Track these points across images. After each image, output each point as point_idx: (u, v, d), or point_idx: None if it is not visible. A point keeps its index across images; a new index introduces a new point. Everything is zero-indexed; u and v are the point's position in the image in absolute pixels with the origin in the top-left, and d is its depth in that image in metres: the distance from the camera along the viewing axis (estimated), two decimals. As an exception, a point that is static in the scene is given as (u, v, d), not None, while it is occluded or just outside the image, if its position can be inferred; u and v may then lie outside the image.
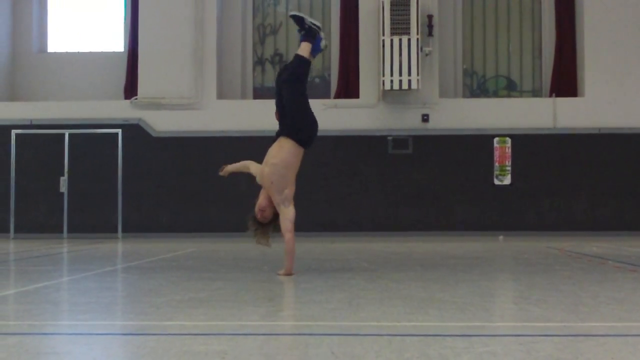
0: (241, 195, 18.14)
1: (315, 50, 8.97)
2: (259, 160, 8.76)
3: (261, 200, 8.49)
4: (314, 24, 8.89)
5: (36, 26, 19.90)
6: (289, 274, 8.42)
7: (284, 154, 8.47)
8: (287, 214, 8.39)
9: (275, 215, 8.51)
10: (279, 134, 8.66)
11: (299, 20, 8.86)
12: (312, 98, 18.67)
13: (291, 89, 8.72)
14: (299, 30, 8.94)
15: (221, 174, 9.06)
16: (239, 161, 9.05)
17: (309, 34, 8.84)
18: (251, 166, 8.81)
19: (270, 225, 8.57)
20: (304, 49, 8.85)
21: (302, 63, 8.86)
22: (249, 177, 19.52)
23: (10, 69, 19.58)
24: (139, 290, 7.51)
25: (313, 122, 8.79)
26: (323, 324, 5.24)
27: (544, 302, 6.27)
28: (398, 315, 5.53)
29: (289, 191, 8.45)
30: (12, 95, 19.51)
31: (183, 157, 18.26)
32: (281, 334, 4.93)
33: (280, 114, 8.71)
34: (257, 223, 8.54)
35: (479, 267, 9.83)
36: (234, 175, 9.29)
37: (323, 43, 9.00)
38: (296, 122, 8.60)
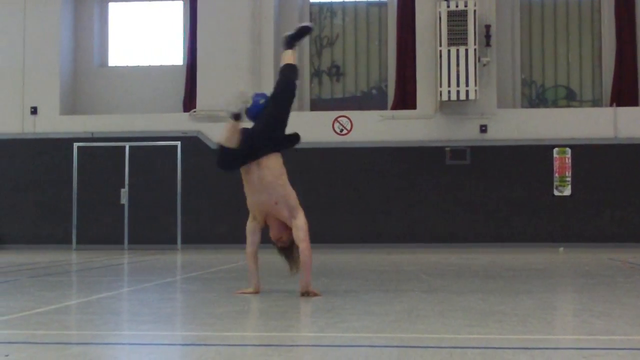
0: (299, 207, 18.21)
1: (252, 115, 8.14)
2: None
3: (273, 232, 7.81)
4: (304, 27, 8.65)
5: (97, 41, 20.24)
6: (308, 290, 7.64)
7: (274, 173, 7.79)
8: (298, 224, 7.65)
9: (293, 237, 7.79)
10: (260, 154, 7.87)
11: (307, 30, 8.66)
12: (369, 109, 18.84)
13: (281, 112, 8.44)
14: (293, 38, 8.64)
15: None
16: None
17: (295, 37, 8.64)
18: (256, 235, 8.01)
19: (293, 246, 7.79)
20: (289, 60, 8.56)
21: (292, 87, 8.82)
22: (305, 190, 19.50)
23: (72, 82, 19.93)
24: (199, 301, 7.57)
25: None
26: (383, 336, 5.22)
27: (607, 315, 6.18)
28: (458, 328, 5.49)
29: (292, 200, 7.76)
30: (74, 108, 19.86)
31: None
32: (341, 346, 4.93)
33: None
34: (283, 250, 7.89)
35: (539, 279, 9.71)
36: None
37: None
38: (277, 136, 8.14)
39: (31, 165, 19.05)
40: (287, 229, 7.76)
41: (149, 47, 20.36)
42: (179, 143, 18.72)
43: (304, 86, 19.62)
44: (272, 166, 7.83)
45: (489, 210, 18.09)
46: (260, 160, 7.83)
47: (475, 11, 17.61)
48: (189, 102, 19.30)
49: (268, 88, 18.66)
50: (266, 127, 8.06)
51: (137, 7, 20.45)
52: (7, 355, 4.53)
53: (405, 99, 18.78)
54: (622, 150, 18.00)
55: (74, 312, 6.79)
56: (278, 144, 8.07)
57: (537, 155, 18.11)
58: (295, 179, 20.02)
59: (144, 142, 18.80)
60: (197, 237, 18.47)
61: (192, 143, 18.71)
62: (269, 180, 7.74)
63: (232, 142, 7.89)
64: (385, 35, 19.52)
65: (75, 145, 18.91)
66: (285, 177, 7.86)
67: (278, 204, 7.72)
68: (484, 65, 17.95)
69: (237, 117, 7.99)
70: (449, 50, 17.58)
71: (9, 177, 19.04)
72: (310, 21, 19.74)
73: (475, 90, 17.52)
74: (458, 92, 17.52)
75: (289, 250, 7.84)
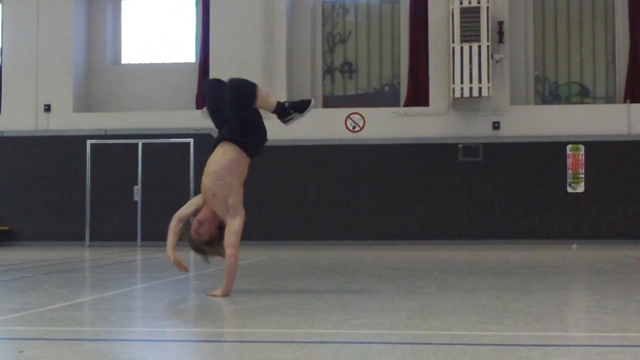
0: (310, 203, 18.22)
1: None
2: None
3: (202, 213, 7.41)
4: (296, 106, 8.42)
5: (110, 38, 20.29)
6: (226, 294, 7.24)
7: (225, 161, 7.46)
8: (232, 226, 7.32)
9: (220, 237, 7.35)
10: (221, 138, 7.63)
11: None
12: (382, 106, 18.83)
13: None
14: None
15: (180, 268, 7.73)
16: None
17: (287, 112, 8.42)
18: (191, 207, 7.59)
19: (212, 243, 7.36)
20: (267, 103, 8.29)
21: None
22: (317, 187, 19.52)
23: (85, 80, 19.99)
24: (212, 297, 7.57)
25: (264, 132, 8.11)
26: (396, 333, 5.22)
27: (621, 312, 6.15)
28: (471, 325, 5.48)
29: (234, 200, 7.45)
30: (87, 105, 19.92)
31: (253, 166, 18.32)
32: (354, 342, 4.93)
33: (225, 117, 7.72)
34: (194, 242, 7.41)
35: (552, 276, 9.69)
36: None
37: None
38: (248, 124, 7.85)
39: (44, 163, 19.13)
40: (214, 225, 7.38)
41: (162, 44, 20.39)
42: (191, 140, 18.76)
43: (316, 83, 19.63)
44: (228, 157, 7.51)
45: (502, 207, 18.05)
46: (224, 143, 7.55)
47: (488, 7, 17.55)
48: (202, 99, 19.31)
49: (280, 85, 18.77)
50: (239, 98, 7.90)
51: (150, 5, 20.49)
52: (21, 352, 4.55)
53: (418, 95, 18.75)
54: (636, 146, 17.92)
55: (88, 309, 6.82)
56: (244, 130, 7.74)
57: (550, 152, 18.06)
58: (307, 176, 20.12)
59: (156, 140, 18.85)
60: (209, 234, 18.46)
61: (205, 140, 18.68)
62: (216, 168, 7.43)
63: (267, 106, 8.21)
64: (397, 32, 19.48)
65: (89, 142, 18.97)
66: (234, 177, 7.51)
67: (216, 196, 7.37)
68: (497, 61, 17.90)
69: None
70: (461, 47, 17.53)
71: (22, 174, 19.12)
72: (323, 19, 19.75)
73: (488, 87, 17.47)
74: (471, 88, 17.48)
75: (203, 245, 7.38)
